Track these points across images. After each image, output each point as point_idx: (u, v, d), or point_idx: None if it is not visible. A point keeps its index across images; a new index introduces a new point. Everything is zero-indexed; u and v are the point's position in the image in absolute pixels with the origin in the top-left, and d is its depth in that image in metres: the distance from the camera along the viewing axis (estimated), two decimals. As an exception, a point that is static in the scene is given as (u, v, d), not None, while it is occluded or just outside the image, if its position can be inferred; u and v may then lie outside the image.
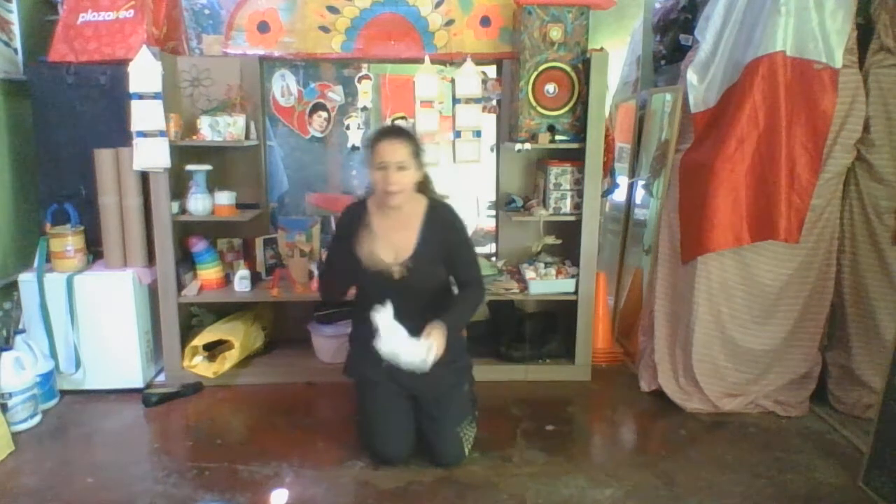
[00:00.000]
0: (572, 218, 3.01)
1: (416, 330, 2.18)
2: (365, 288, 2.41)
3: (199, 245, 3.02)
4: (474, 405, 2.53)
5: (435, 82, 2.96)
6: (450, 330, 2.21)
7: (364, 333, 2.24)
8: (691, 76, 2.80)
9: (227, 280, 3.10)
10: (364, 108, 3.68)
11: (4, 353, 2.57)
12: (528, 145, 2.91)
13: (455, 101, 2.98)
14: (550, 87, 2.91)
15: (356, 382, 2.49)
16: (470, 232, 2.58)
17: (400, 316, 2.16)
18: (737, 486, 2.28)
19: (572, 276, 3.06)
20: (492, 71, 3.22)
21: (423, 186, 2.37)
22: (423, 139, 2.38)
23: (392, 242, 2.27)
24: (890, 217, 2.60)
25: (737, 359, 2.78)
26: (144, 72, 2.71)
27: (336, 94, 3.57)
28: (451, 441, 2.35)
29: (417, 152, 2.26)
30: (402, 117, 3.52)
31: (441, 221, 2.34)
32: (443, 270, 2.38)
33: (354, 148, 3.69)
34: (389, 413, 2.35)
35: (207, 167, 2.91)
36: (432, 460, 2.36)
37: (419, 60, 3.04)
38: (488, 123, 3.12)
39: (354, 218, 2.33)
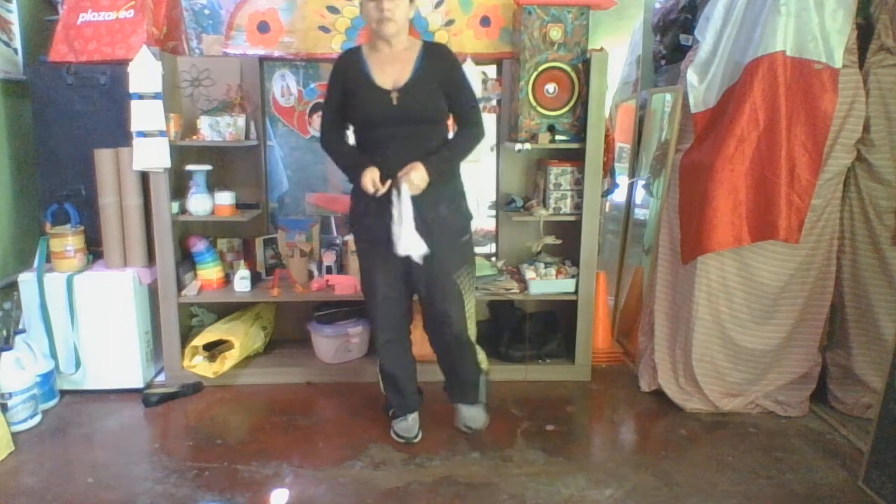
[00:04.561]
0: (572, 218, 3.01)
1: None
2: (364, 128, 2.36)
3: (199, 245, 3.02)
4: (472, 259, 2.50)
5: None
6: (430, 167, 2.22)
7: (361, 188, 2.28)
8: (691, 76, 2.80)
9: (227, 280, 3.10)
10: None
11: (4, 353, 2.57)
12: (528, 145, 2.90)
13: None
14: (550, 87, 2.91)
15: (354, 238, 2.54)
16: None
17: (400, 157, 2.21)
18: (737, 486, 2.28)
19: (572, 276, 3.06)
20: (492, 71, 3.22)
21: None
22: None
23: (388, 73, 2.29)
24: (890, 217, 2.60)
25: (737, 359, 2.78)
26: (144, 72, 2.71)
27: (336, 94, 3.57)
28: (448, 289, 2.36)
29: None
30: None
31: (438, 57, 2.35)
32: (442, 103, 2.34)
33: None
34: (385, 278, 2.39)
35: (207, 167, 2.91)
36: (431, 323, 2.45)
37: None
38: (489, 123, 3.11)
39: (348, 62, 2.35)
